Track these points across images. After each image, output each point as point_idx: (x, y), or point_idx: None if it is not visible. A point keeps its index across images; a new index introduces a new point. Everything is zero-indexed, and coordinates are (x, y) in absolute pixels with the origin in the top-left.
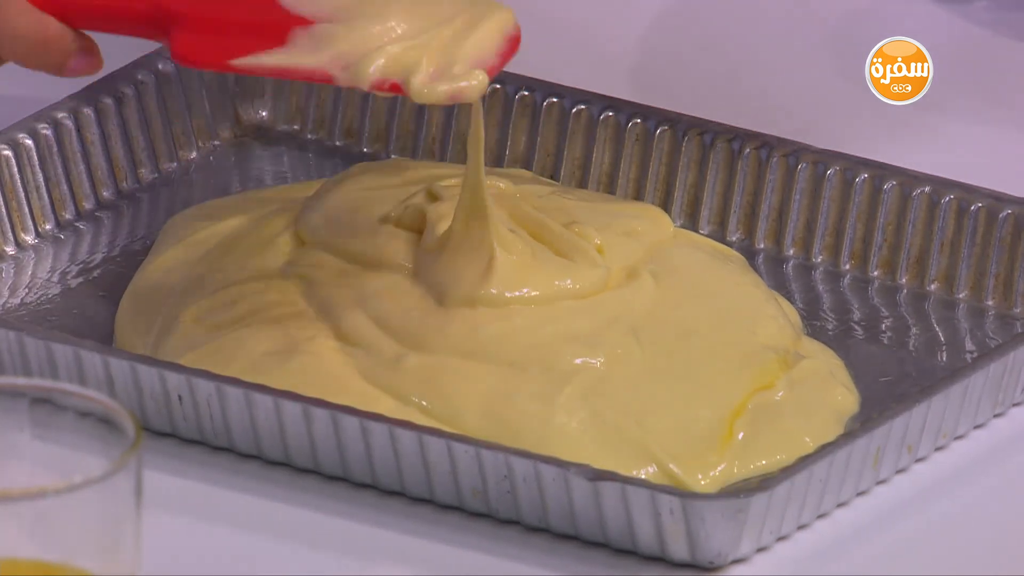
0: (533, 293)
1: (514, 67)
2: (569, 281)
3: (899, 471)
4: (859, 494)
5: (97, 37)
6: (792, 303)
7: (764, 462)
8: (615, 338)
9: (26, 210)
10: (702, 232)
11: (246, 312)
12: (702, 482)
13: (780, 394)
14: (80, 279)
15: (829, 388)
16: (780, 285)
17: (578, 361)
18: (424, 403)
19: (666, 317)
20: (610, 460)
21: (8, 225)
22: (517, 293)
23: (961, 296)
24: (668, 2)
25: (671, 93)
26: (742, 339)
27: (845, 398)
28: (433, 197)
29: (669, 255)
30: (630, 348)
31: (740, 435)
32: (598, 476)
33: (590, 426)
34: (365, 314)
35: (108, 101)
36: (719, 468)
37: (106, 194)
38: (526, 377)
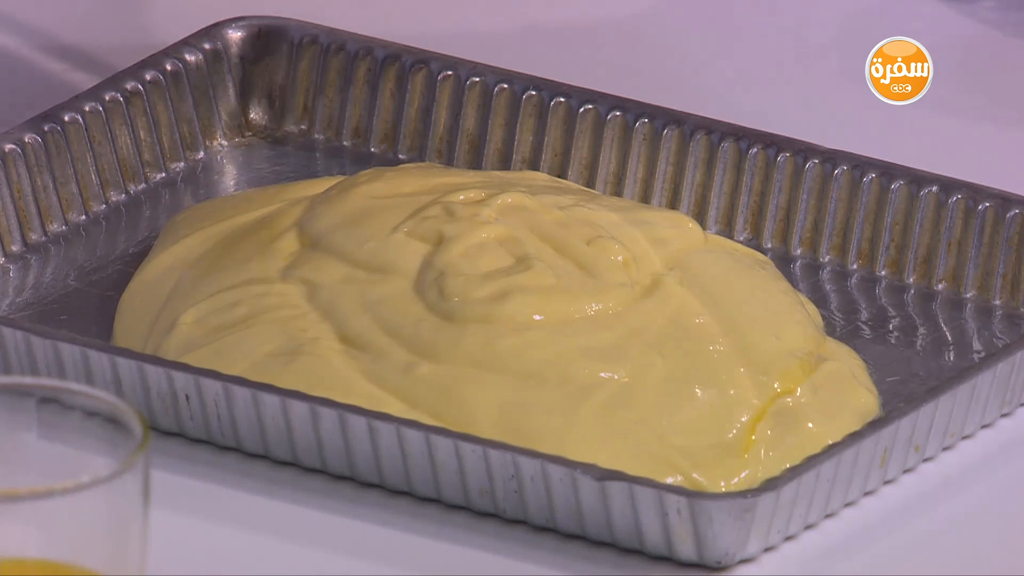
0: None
1: (521, 66)
2: (592, 306)
3: (906, 471)
4: (866, 494)
5: (102, 36)
6: None
7: (788, 466)
8: (636, 351)
9: (33, 210)
10: (709, 232)
11: (247, 314)
12: (725, 489)
13: (803, 398)
14: (87, 279)
15: (851, 390)
16: None
17: (599, 375)
18: (436, 411)
19: (689, 325)
20: (632, 472)
21: (16, 224)
22: (538, 317)
23: (968, 296)
24: (673, 2)
25: (678, 93)
26: (766, 345)
27: (867, 400)
28: (449, 213)
29: (696, 262)
30: (651, 359)
31: (763, 440)
32: (605, 476)
33: (610, 439)
34: (372, 319)
35: (115, 101)
36: (743, 474)
37: (113, 194)
38: (544, 390)
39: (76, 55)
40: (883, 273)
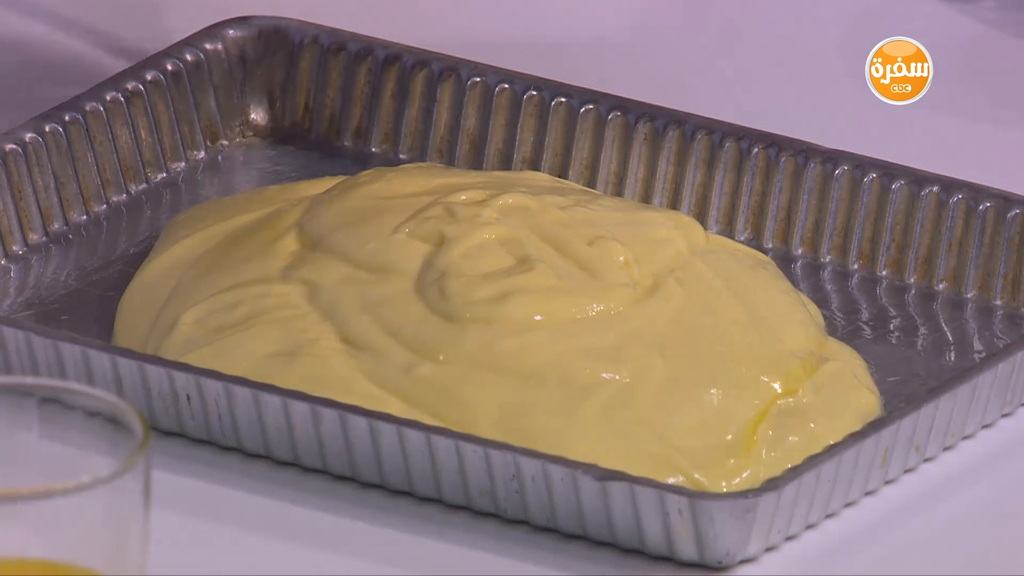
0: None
1: (522, 66)
2: (594, 306)
3: (907, 471)
4: (867, 494)
5: (104, 36)
6: None
7: (789, 466)
8: (636, 351)
9: (34, 210)
10: (710, 232)
11: (248, 315)
12: (726, 489)
13: (804, 398)
14: (88, 279)
15: (853, 391)
16: None
17: (600, 375)
18: (437, 411)
19: (690, 326)
20: (633, 472)
21: (17, 225)
22: (539, 318)
23: (969, 296)
24: (673, 3)
25: (678, 93)
26: (767, 346)
27: (868, 400)
28: (450, 214)
29: (698, 262)
30: (652, 360)
31: (764, 441)
32: (606, 476)
33: (611, 439)
34: (373, 320)
35: (116, 101)
36: (744, 474)
37: (114, 194)
38: (544, 390)
39: (77, 55)
40: (884, 273)
